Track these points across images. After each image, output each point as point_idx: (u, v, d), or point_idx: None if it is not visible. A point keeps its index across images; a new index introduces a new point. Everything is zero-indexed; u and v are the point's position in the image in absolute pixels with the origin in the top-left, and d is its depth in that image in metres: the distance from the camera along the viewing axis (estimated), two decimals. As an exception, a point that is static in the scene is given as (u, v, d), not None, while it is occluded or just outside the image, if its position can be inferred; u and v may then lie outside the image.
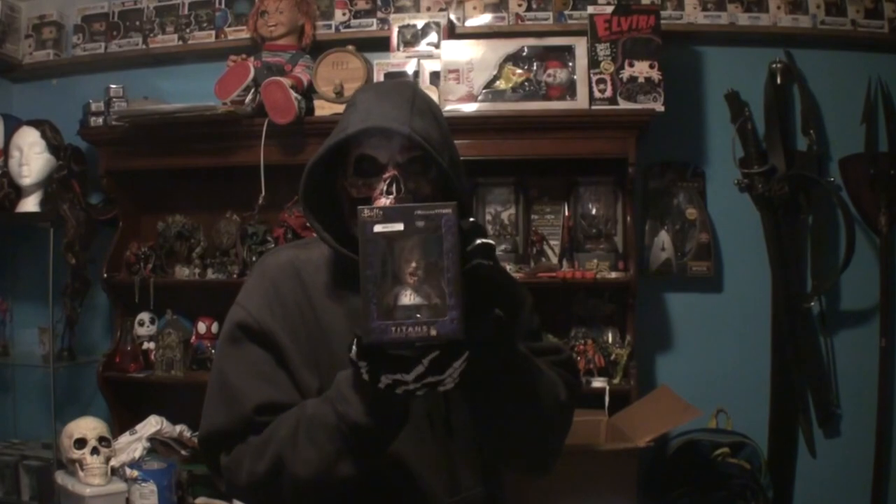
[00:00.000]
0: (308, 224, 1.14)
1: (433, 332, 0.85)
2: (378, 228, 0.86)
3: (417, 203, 0.90)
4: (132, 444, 2.35)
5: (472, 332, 0.87)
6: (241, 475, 1.06)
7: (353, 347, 0.90)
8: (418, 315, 0.85)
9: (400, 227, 0.86)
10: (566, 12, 2.53)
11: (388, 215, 0.87)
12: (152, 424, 2.39)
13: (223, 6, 2.72)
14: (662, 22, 2.35)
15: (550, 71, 2.35)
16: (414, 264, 0.86)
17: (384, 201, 1.05)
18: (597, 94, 2.30)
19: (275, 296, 1.13)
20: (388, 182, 1.06)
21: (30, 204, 2.63)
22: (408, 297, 0.86)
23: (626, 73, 2.30)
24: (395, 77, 2.43)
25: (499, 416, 1.05)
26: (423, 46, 2.49)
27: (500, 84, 2.36)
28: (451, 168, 1.07)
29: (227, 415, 1.09)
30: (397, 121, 1.05)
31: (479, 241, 0.89)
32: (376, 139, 1.06)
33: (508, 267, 2.36)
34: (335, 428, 0.97)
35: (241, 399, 1.08)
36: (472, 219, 0.92)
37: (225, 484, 1.12)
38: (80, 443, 2.24)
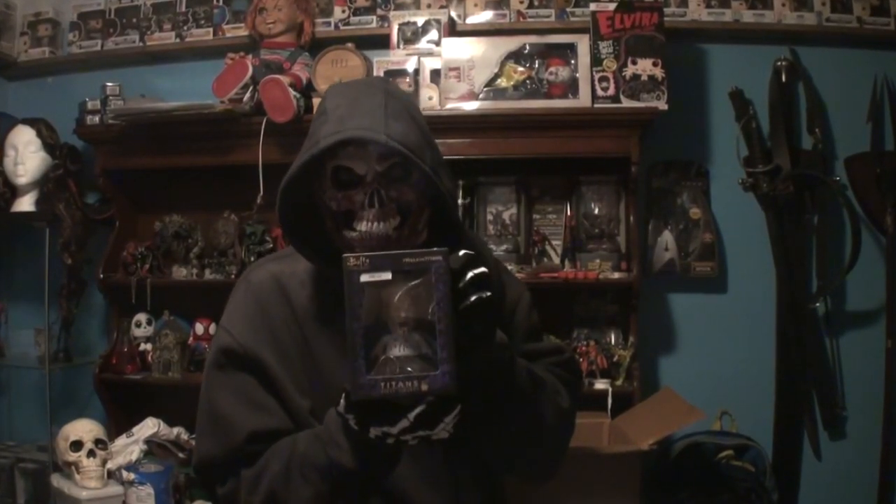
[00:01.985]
0: (285, 233, 1.11)
1: (424, 388, 0.83)
2: (365, 278, 0.84)
3: (405, 250, 0.87)
4: (129, 447, 2.33)
5: (467, 382, 0.86)
6: None
7: (342, 401, 0.88)
8: (409, 369, 0.83)
9: (388, 276, 0.84)
10: (568, 9, 2.51)
11: (374, 264, 0.84)
12: (149, 427, 2.37)
13: (221, 3, 2.70)
14: (666, 19, 2.34)
15: (552, 69, 2.34)
16: (404, 314, 0.84)
17: (368, 214, 1.02)
18: (599, 93, 2.29)
19: (260, 317, 1.10)
20: (369, 195, 1.02)
21: (25, 203, 2.61)
22: (398, 348, 0.83)
23: (628, 70, 2.28)
24: (394, 76, 2.41)
25: (502, 438, 1.04)
26: (423, 44, 2.48)
27: (502, 82, 2.34)
28: (433, 169, 1.03)
29: (218, 445, 1.08)
30: (372, 129, 1.00)
31: (470, 276, 0.87)
32: (352, 149, 1.02)
33: (510, 267, 2.34)
34: (327, 469, 0.96)
35: (232, 428, 1.06)
36: (463, 252, 0.89)
37: None
38: (76, 445, 2.22)
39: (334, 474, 0.95)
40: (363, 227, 1.02)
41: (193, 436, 2.37)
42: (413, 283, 0.84)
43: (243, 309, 1.12)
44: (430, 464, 1.10)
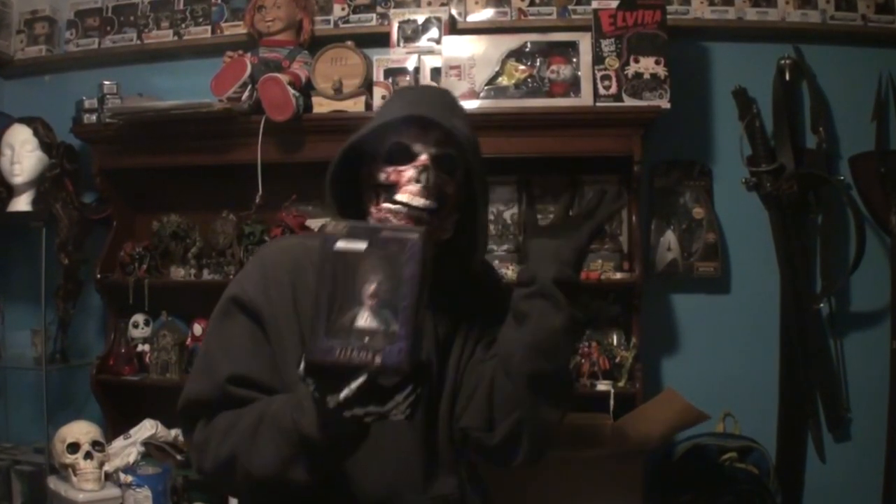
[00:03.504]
0: (330, 203, 1.17)
1: (377, 361, 0.83)
2: (340, 245, 0.85)
3: (385, 225, 0.91)
4: (126, 449, 2.32)
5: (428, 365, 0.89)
6: (207, 458, 1.07)
7: (301, 364, 0.88)
8: (366, 339, 0.83)
9: (363, 246, 0.85)
10: (570, 7, 2.50)
11: (352, 232, 0.86)
12: (147, 428, 2.36)
13: (220, 1, 2.69)
14: (668, 17, 2.32)
15: (554, 67, 2.32)
16: (374, 286, 0.84)
17: (412, 188, 1.08)
18: (601, 91, 2.27)
19: (272, 278, 1.14)
20: (419, 170, 1.09)
21: (21, 203, 2.59)
22: (364, 320, 0.83)
23: (631, 69, 2.27)
24: (394, 74, 2.40)
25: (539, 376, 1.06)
26: (423, 42, 2.46)
27: (503, 80, 2.33)
28: (478, 177, 1.12)
29: (203, 382, 1.10)
30: (440, 116, 1.09)
31: None
32: (415, 129, 1.10)
33: (511, 268, 2.33)
34: (291, 432, 0.96)
35: (217, 367, 1.09)
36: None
37: (194, 464, 1.12)
38: (74, 447, 2.21)
39: (296, 439, 0.96)
40: (405, 198, 1.09)
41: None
42: (387, 257, 0.84)
43: (257, 270, 1.17)
44: (404, 447, 1.12)
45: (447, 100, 1.18)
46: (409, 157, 1.11)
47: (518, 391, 1.07)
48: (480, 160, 1.15)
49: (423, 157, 1.10)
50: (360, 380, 0.85)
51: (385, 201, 1.10)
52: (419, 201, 1.09)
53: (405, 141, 1.11)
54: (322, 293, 0.85)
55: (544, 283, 1.06)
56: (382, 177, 1.11)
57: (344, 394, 0.86)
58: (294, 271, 1.14)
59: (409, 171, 1.10)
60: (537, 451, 1.13)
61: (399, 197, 1.09)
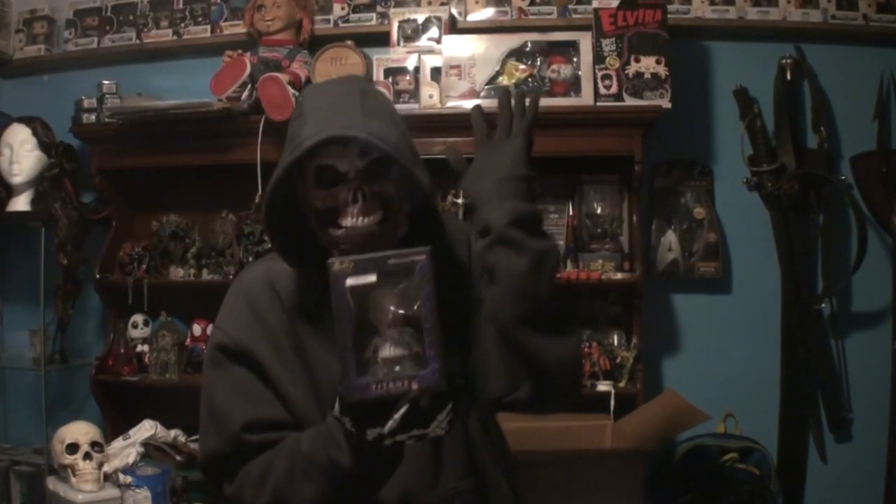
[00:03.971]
0: (281, 256, 1.13)
1: (414, 387, 0.84)
2: (350, 282, 0.85)
3: (389, 252, 0.88)
4: (125, 450, 2.31)
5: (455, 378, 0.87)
6: None
7: (337, 404, 0.89)
8: (398, 368, 0.84)
9: (373, 278, 0.85)
10: (570, 7, 2.49)
11: (359, 267, 0.85)
12: (146, 429, 2.35)
13: (219, 0, 2.68)
14: (669, 16, 2.32)
15: (554, 66, 2.32)
16: (391, 315, 0.84)
17: (351, 210, 1.04)
18: (602, 91, 2.27)
19: (252, 313, 1.13)
20: (352, 190, 1.04)
21: (20, 203, 2.58)
22: (388, 350, 0.84)
23: (631, 68, 2.26)
24: (394, 73, 2.40)
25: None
26: (423, 41, 2.46)
27: (503, 80, 2.32)
28: (412, 165, 1.06)
29: (218, 438, 1.10)
30: (353, 127, 1.03)
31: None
32: (334, 148, 1.04)
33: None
34: (329, 469, 0.97)
35: (227, 420, 1.08)
36: (429, 247, 0.90)
37: None
38: (73, 448, 2.19)
39: (336, 474, 0.96)
40: (348, 222, 1.04)
41: (192, 438, 2.39)
42: (398, 283, 0.85)
43: (236, 308, 1.15)
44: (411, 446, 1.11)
45: (354, 99, 1.07)
46: (337, 178, 1.05)
47: (522, 341, 1.06)
48: (410, 145, 1.10)
49: (352, 175, 1.04)
50: (404, 409, 0.86)
51: (330, 227, 1.06)
52: (363, 221, 1.04)
53: (328, 162, 1.05)
54: (343, 332, 0.85)
55: (499, 229, 1.06)
56: (319, 203, 1.06)
57: (389, 426, 0.87)
58: (275, 299, 1.13)
59: (341, 193, 1.05)
60: (570, 383, 1.13)
61: (343, 222, 1.05)
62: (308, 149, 1.03)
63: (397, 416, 0.86)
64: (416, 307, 0.84)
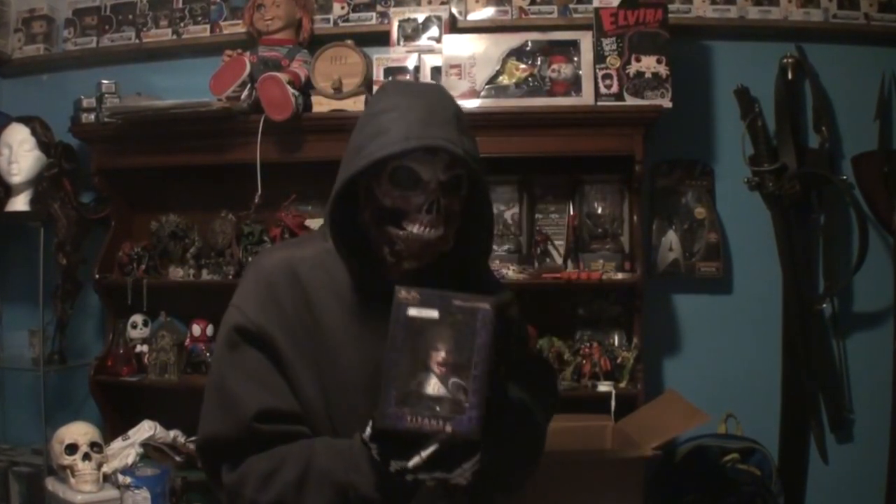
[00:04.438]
0: (332, 241, 1.12)
1: (448, 429, 0.85)
2: (412, 313, 0.88)
3: (456, 293, 0.90)
4: (125, 450, 2.31)
5: (490, 432, 0.88)
6: (243, 502, 1.05)
7: (368, 429, 0.91)
8: (438, 408, 0.85)
9: (435, 314, 0.88)
10: (571, 6, 2.49)
11: (425, 300, 0.88)
12: (145, 430, 2.35)
13: (219, 0, 2.67)
14: (670, 16, 2.31)
15: (555, 66, 2.31)
16: (444, 355, 0.86)
17: (423, 219, 1.04)
18: (602, 90, 2.26)
19: (271, 298, 1.11)
20: (430, 200, 1.05)
21: (19, 203, 2.58)
22: (433, 387, 0.86)
23: (632, 68, 2.26)
24: (394, 73, 2.39)
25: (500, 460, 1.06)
26: (423, 41, 2.45)
27: (503, 79, 2.32)
28: (482, 186, 1.09)
29: (226, 421, 1.08)
30: (451, 139, 1.04)
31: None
32: (421, 153, 1.04)
33: (512, 268, 2.32)
34: (344, 489, 0.97)
35: (240, 405, 1.06)
36: (505, 295, 0.96)
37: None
38: (72, 448, 2.20)
39: (351, 498, 0.96)
40: (416, 229, 1.06)
41: (191, 438, 2.39)
42: (458, 325, 0.87)
43: (255, 291, 1.13)
44: None
45: (451, 111, 1.09)
46: (416, 183, 1.06)
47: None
48: (483, 166, 1.11)
49: (433, 186, 1.05)
50: (432, 448, 0.87)
51: (391, 225, 1.07)
52: (430, 233, 1.05)
53: (412, 166, 1.05)
54: (391, 359, 0.87)
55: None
56: (388, 201, 1.07)
57: (414, 461, 0.88)
58: (296, 285, 1.12)
59: (417, 199, 1.05)
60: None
61: (408, 227, 1.05)
62: (405, 150, 1.03)
63: (424, 453, 0.87)
64: (468, 353, 0.85)
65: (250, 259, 2.36)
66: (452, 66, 2.31)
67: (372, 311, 1.10)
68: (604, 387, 2.25)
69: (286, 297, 1.11)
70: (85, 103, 2.52)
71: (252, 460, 1.05)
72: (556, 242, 2.43)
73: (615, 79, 2.26)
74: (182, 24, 2.69)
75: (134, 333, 2.58)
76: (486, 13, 2.52)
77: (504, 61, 2.32)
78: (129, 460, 2.28)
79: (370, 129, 1.07)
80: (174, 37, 2.69)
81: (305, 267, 1.13)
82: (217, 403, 1.10)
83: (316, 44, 2.48)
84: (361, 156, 1.05)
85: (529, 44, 2.33)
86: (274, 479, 1.03)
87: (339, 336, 1.10)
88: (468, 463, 0.88)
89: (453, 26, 2.48)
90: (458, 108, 1.11)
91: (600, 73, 2.26)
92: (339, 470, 0.97)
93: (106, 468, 2.24)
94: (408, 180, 1.06)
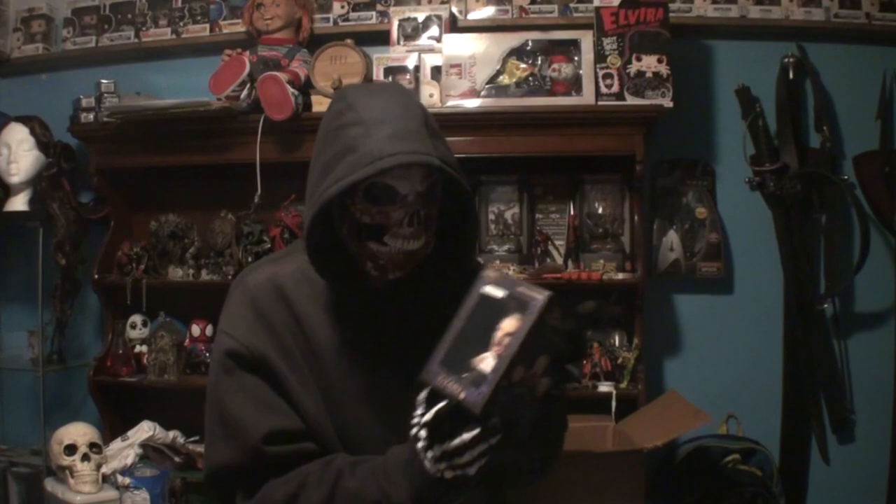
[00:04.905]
0: (311, 262, 1.10)
1: (462, 395, 0.87)
2: (486, 290, 0.92)
3: (523, 282, 0.93)
4: (124, 451, 2.31)
5: (498, 414, 0.88)
6: None
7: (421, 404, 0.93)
8: (467, 376, 0.88)
9: (501, 294, 0.91)
10: (571, 5, 2.48)
11: (499, 281, 0.93)
12: (145, 430, 2.35)
13: (218, -1, 2.67)
14: (671, 15, 2.30)
15: (555, 65, 2.30)
16: (502, 335, 0.89)
17: (404, 232, 1.04)
18: (603, 90, 2.26)
19: (259, 318, 1.09)
20: (409, 216, 1.03)
21: (18, 203, 2.58)
22: (484, 361, 0.88)
23: (633, 67, 2.25)
24: (394, 72, 2.38)
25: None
26: (424, 40, 2.45)
27: (504, 79, 2.31)
28: (467, 184, 1.07)
29: (233, 449, 1.06)
30: (424, 152, 1.01)
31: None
32: (398, 169, 1.01)
33: (512, 268, 2.31)
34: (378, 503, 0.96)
35: (246, 431, 1.05)
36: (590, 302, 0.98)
37: None
38: (71, 449, 2.19)
39: None
40: (399, 244, 1.04)
41: (191, 439, 2.38)
42: (514, 310, 0.89)
43: (242, 313, 1.11)
44: None
45: (419, 118, 1.04)
46: (393, 198, 1.03)
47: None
48: (458, 167, 1.07)
49: (411, 199, 1.03)
50: (440, 405, 0.89)
51: (372, 241, 1.04)
52: (411, 245, 1.04)
53: (389, 182, 1.02)
54: (452, 325, 0.91)
55: None
56: (366, 218, 1.04)
57: (420, 412, 0.91)
58: (283, 302, 1.10)
59: (396, 213, 1.03)
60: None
61: (390, 242, 1.04)
62: (380, 170, 0.99)
63: (434, 409, 0.89)
64: (512, 337, 0.88)
65: (251, 259, 2.35)
66: (453, 66, 2.30)
67: (360, 321, 1.10)
68: (604, 387, 2.24)
69: (275, 315, 1.09)
70: (84, 103, 2.52)
71: (270, 486, 1.04)
72: (557, 242, 2.43)
73: (616, 78, 2.25)
74: (181, 24, 2.68)
75: (133, 334, 2.58)
76: (486, 12, 2.51)
77: (504, 61, 2.31)
78: (129, 461, 2.28)
79: (337, 145, 1.03)
80: (173, 36, 2.68)
81: (290, 282, 1.12)
82: (221, 432, 1.08)
83: (316, 43, 2.47)
84: (332, 178, 1.02)
85: (530, 43, 2.32)
86: (297, 501, 1.01)
87: (332, 349, 1.09)
88: (466, 433, 0.88)
89: (453, 25, 2.47)
90: (423, 111, 1.07)
91: (601, 73, 2.26)
92: (372, 485, 0.97)
93: (105, 469, 2.23)
94: (385, 196, 1.03)
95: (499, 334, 0.88)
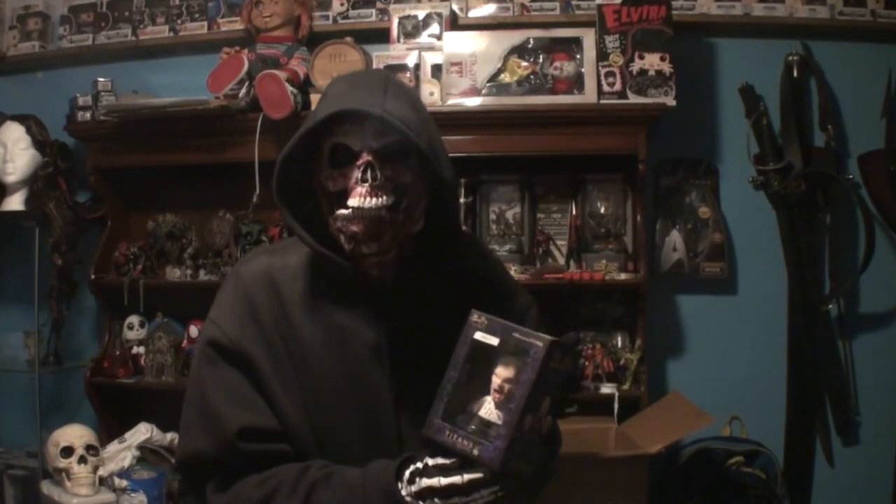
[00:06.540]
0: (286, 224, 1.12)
1: (475, 452, 0.87)
2: (478, 336, 0.92)
3: (518, 327, 0.92)
4: (121, 453, 2.30)
5: (515, 468, 0.89)
6: None
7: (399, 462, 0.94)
8: (475, 429, 0.88)
9: (495, 342, 0.91)
10: (574, 2, 2.47)
11: (489, 327, 0.92)
12: (142, 432, 2.34)
13: (216, -3, 2.66)
14: (674, 12, 2.30)
15: (557, 63, 2.29)
16: (501, 382, 0.89)
17: (360, 190, 1.01)
18: (605, 88, 2.25)
19: (249, 313, 1.09)
20: (362, 169, 1.02)
21: (14, 202, 2.57)
22: (486, 410, 0.88)
23: (635, 65, 2.24)
24: (394, 71, 2.35)
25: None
26: (424, 38, 2.44)
27: (505, 77, 2.30)
28: (431, 153, 1.03)
29: (208, 438, 1.05)
30: (369, 104, 1.01)
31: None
32: (349, 125, 1.02)
33: (513, 269, 2.29)
34: None
35: (223, 423, 1.04)
36: (571, 335, 0.96)
37: None
38: (67, 451, 2.19)
39: None
40: (356, 201, 1.02)
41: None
42: (513, 357, 0.89)
43: (232, 302, 1.11)
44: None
45: (378, 83, 1.05)
46: (351, 157, 1.03)
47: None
48: (432, 136, 1.06)
49: (364, 155, 1.02)
50: (440, 460, 0.90)
51: (338, 208, 1.04)
52: (370, 202, 1.01)
53: (342, 140, 1.03)
54: (449, 375, 0.92)
55: None
56: (330, 184, 1.04)
57: (426, 461, 0.92)
58: (274, 296, 1.09)
59: (353, 173, 1.02)
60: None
61: (351, 202, 1.02)
62: (320, 121, 1.01)
63: (441, 459, 0.90)
64: (515, 386, 0.88)
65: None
66: (453, 64, 2.29)
67: (352, 324, 1.08)
68: (607, 389, 2.23)
69: (264, 309, 1.09)
70: (81, 101, 2.51)
71: (243, 485, 1.03)
72: (559, 242, 2.42)
73: (618, 76, 2.24)
74: (179, 22, 2.67)
75: (130, 335, 2.57)
76: (487, 10, 2.50)
77: (506, 59, 2.30)
78: (126, 463, 2.27)
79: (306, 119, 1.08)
80: (171, 34, 2.67)
81: (286, 276, 1.11)
82: (198, 420, 1.08)
83: (315, 41, 2.46)
84: (291, 140, 1.05)
85: (531, 41, 2.31)
86: None
87: (317, 350, 1.08)
88: (486, 490, 0.88)
89: (454, 23, 2.46)
90: (390, 78, 1.08)
91: (603, 71, 2.25)
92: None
93: (102, 471, 2.23)
94: (343, 157, 1.03)
95: (497, 380, 0.88)
